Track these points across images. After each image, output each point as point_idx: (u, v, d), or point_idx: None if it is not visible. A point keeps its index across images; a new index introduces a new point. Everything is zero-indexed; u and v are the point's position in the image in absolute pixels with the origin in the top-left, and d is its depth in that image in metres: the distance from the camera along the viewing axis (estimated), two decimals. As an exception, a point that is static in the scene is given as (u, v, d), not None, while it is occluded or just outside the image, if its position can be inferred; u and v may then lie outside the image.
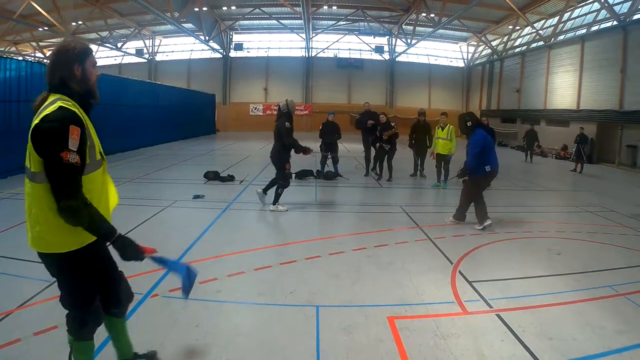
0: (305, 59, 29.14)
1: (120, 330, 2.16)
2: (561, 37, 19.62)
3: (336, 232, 5.41)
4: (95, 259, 1.89)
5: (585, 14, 18.38)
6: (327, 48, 29.16)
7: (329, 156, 9.75)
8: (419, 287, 3.66)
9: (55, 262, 1.81)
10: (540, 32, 20.96)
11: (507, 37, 25.34)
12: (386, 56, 29.41)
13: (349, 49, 29.80)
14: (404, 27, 25.53)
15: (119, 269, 2.08)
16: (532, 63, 22.13)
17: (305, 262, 4.19)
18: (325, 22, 27.20)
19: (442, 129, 8.88)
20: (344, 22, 26.69)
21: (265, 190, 6.59)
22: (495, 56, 26.10)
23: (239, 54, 28.92)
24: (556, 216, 6.95)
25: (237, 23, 27.40)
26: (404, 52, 28.11)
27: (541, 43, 20.97)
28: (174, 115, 17.98)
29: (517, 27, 23.68)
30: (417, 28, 24.69)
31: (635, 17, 14.91)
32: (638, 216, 6.72)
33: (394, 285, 3.67)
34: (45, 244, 1.75)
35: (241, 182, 8.70)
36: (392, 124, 9.47)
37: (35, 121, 1.67)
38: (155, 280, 3.46)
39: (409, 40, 25.73)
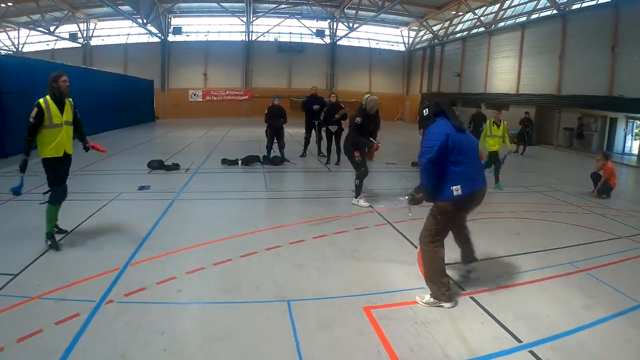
0: (245, 43, 28.95)
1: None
2: (502, 24, 21.05)
3: (292, 220, 5.32)
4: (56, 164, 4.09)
5: (526, 2, 19.84)
6: (267, 32, 29.08)
7: (275, 141, 9.84)
8: (389, 274, 3.66)
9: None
10: (481, 18, 22.29)
11: (448, 22, 26.62)
12: (327, 40, 29.94)
13: (290, 33, 29.93)
14: (346, 10, 26.02)
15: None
16: (473, 48, 23.49)
17: (267, 254, 4.06)
18: (267, 5, 27.06)
19: (498, 127, 7.96)
20: (286, 5, 26.68)
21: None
22: (436, 41, 27.35)
23: (178, 38, 28.19)
24: (507, 197, 7.38)
25: (176, 5, 26.52)
26: (345, 36, 28.76)
27: (482, 29, 22.33)
28: (111, 103, 17.14)
29: (459, 13, 24.93)
30: (360, 12, 25.23)
31: (575, 6, 16.41)
32: (583, 194, 7.38)
33: (363, 274, 3.63)
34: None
35: (187, 170, 8.57)
36: (342, 105, 9.68)
37: None
38: (106, 285, 3.23)
39: (351, 24, 26.24)
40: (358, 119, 6.08)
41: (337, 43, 29.96)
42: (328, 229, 4.86)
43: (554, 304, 3.24)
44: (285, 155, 9.80)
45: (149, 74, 24.89)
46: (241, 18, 27.70)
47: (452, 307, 3.07)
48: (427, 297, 3.13)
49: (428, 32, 28.36)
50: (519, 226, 5.34)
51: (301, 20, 29.08)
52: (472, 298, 3.22)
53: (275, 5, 26.66)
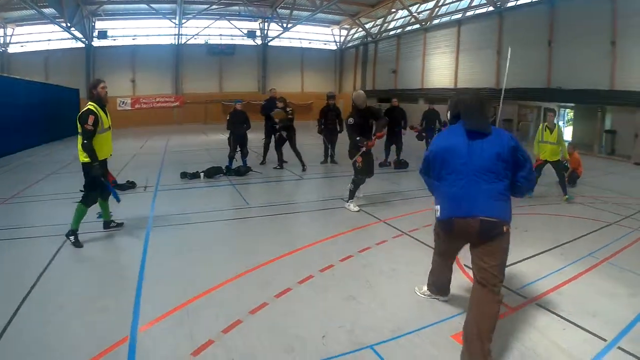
0: (174, 46, 27.97)
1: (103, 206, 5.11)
2: (437, 21, 22.29)
3: (302, 241, 4.91)
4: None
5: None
6: (197, 34, 28.24)
7: (238, 149, 9.54)
8: (451, 293, 3.55)
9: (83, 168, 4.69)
10: (416, 15, 23.38)
11: (382, 19, 27.61)
12: (259, 41, 29.84)
13: (220, 35, 29.34)
14: (279, 10, 26.02)
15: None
16: (408, 45, 24.64)
17: (303, 288, 3.68)
18: (197, 5, 26.14)
19: (551, 131, 6.95)
20: (217, 6, 25.99)
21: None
22: (369, 38, 28.28)
23: (103, 42, 26.23)
24: None
25: (101, 8, 24.66)
26: (277, 36, 28.87)
27: (417, 26, 23.45)
28: (35, 115, 15.33)
29: (393, 10, 25.94)
30: (294, 12, 25.46)
31: (510, 4, 17.83)
32: (552, 185, 8.04)
33: (422, 297, 3.52)
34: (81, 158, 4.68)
35: (145, 188, 7.83)
36: (289, 109, 9.72)
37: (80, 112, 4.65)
38: None
39: (284, 25, 26.40)
40: (350, 120, 6.06)
41: (269, 44, 29.96)
42: (349, 247, 4.66)
43: (604, 296, 3.49)
44: (248, 164, 9.53)
45: (74, 82, 22.99)
46: (173, 20, 26.61)
47: (445, 299, 3.39)
48: (425, 287, 3.47)
49: (361, 30, 29.19)
50: (521, 223, 5.58)
51: (232, 22, 28.57)
52: (538, 304, 3.34)
53: (207, 6, 25.83)
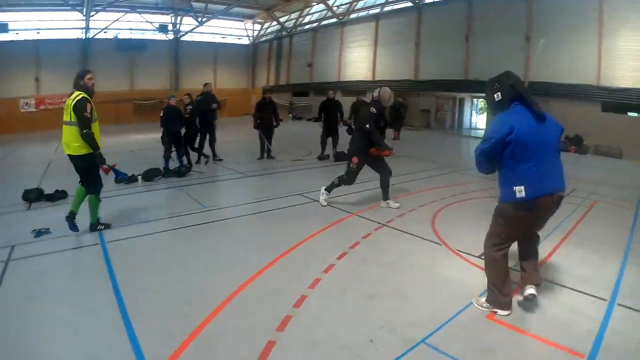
0: (82, 41, 25.20)
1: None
2: (354, 15, 23.00)
3: (285, 244, 4.61)
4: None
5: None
6: (106, 28, 25.82)
7: (173, 149, 9.03)
8: (464, 278, 3.78)
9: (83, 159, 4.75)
10: (333, 9, 23.90)
11: (297, 13, 27.77)
12: (170, 36, 28.42)
13: (130, 29, 27.17)
14: (193, 4, 24.98)
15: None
16: (324, 39, 25.20)
17: (318, 294, 3.48)
18: None
19: None
20: None
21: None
22: (284, 32, 28.36)
23: (4, 37, 22.64)
24: (428, 183, 8.09)
25: None
26: (191, 30, 27.85)
27: (334, 20, 23.99)
28: None
29: (313, 3, 26.15)
30: (210, 5, 24.73)
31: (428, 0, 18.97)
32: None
33: (444, 285, 3.66)
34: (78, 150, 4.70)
35: None
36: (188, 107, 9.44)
37: (74, 101, 4.57)
38: None
39: (199, 18, 25.57)
40: (373, 109, 5.68)
41: (181, 39, 28.66)
42: (338, 244, 4.59)
43: (584, 264, 4.09)
44: (184, 163, 9.06)
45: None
46: (81, 12, 23.85)
47: (507, 315, 3.05)
48: (482, 300, 3.16)
49: (275, 23, 29.09)
50: (483, 208, 5.90)
51: (143, 15, 26.66)
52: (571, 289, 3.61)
53: None
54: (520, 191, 2.81)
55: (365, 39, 22.00)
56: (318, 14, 26.09)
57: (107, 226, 5.10)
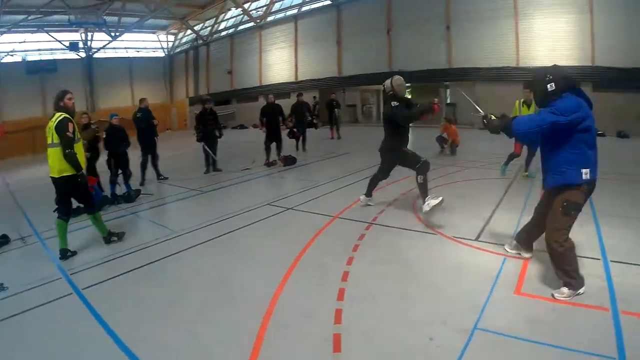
0: None
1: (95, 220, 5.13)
2: (271, 18, 22.97)
3: (287, 258, 4.40)
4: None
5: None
6: (12, 51, 23.93)
7: (119, 172, 8.43)
8: (471, 262, 4.08)
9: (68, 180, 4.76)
10: (250, 12, 23.72)
11: (213, 20, 27.14)
12: (82, 54, 26.81)
13: (39, 50, 25.31)
14: (106, 18, 23.51)
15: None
16: (242, 44, 24.92)
17: (350, 304, 3.40)
18: (13, 16, 21.52)
19: (529, 107, 7.07)
20: (35, 16, 21.95)
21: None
22: (200, 41, 27.55)
23: None
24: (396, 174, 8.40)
25: None
26: (104, 46, 26.70)
27: (251, 24, 23.77)
28: None
29: (230, 8, 25.78)
30: (123, 19, 23.95)
31: None
32: (436, 156, 9.39)
33: (456, 273, 3.87)
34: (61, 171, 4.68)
35: (24, 240, 5.90)
36: (93, 125, 8.20)
37: (55, 122, 4.64)
38: None
39: (112, 33, 24.60)
40: (394, 103, 5.27)
41: (94, 56, 27.22)
42: (339, 250, 4.53)
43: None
44: (132, 187, 8.43)
45: None
46: None
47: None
48: (564, 290, 3.23)
49: (190, 33, 28.21)
50: (455, 192, 6.54)
51: (51, 34, 24.79)
52: (537, 250, 4.06)
53: (24, 16, 21.71)
54: (586, 173, 3.13)
55: (284, 41, 22.17)
56: (234, 19, 25.76)
57: (120, 236, 5.30)
